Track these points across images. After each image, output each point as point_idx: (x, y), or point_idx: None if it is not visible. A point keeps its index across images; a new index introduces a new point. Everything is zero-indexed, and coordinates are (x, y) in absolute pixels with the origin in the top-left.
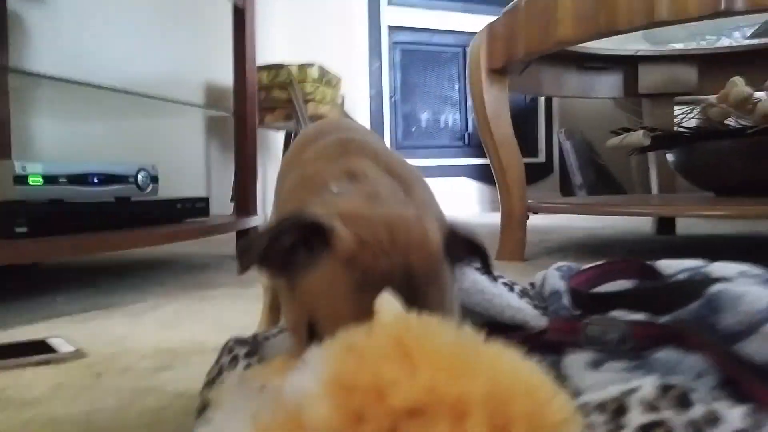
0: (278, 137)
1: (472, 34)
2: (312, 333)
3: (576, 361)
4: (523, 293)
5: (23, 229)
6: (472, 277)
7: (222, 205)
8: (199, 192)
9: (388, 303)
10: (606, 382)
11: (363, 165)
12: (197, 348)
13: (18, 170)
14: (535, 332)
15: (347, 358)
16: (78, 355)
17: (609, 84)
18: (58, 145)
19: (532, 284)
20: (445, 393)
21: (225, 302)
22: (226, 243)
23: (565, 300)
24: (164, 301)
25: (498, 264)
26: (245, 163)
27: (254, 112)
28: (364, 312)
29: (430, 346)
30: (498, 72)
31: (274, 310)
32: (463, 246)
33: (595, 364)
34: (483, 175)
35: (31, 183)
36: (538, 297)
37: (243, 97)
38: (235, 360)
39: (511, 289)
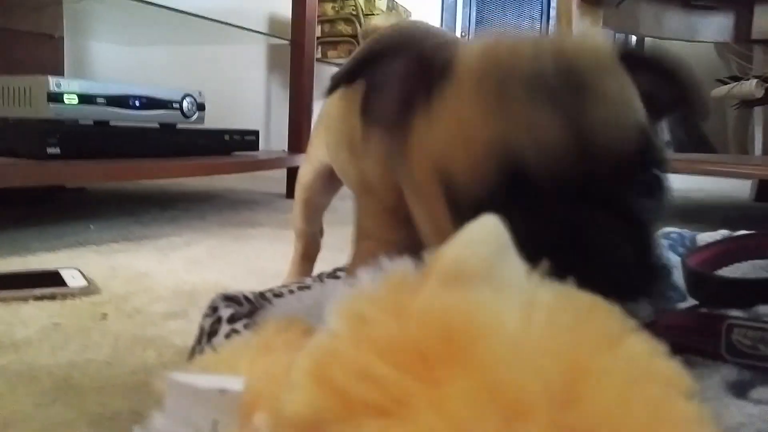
0: None
1: None
2: (449, 192)
3: (711, 379)
4: None
5: (55, 150)
6: None
7: (280, 142)
8: (258, 126)
9: (477, 231)
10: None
11: None
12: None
13: (52, 87)
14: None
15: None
16: (88, 290)
17: (717, 26)
18: (117, 69)
19: None
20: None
21: (263, 243)
22: (278, 181)
23: (674, 279)
24: (200, 237)
25: None
26: (301, 95)
27: (313, 40)
28: (506, 127)
29: (489, 340)
30: (591, 2)
31: (306, 259)
32: (654, 80)
33: (743, 389)
34: None
35: (66, 102)
36: None
37: (302, 23)
38: (217, 323)
39: None
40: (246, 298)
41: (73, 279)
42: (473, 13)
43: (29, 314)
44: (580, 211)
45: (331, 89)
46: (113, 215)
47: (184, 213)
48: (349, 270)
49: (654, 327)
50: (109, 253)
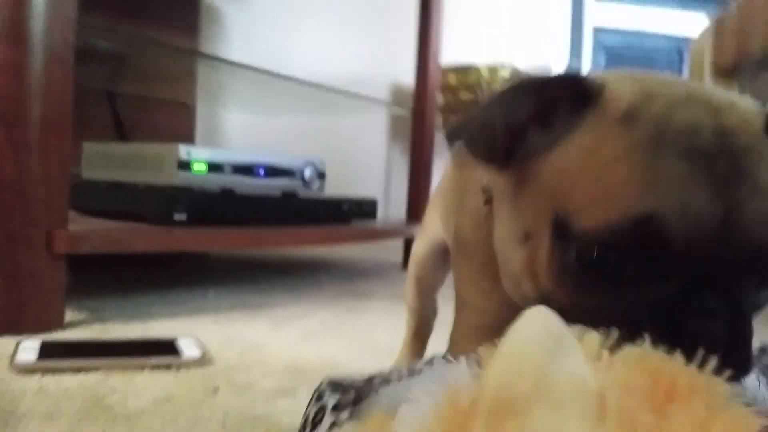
0: None
1: (689, 38)
2: (563, 234)
3: None
4: None
5: (182, 217)
6: None
7: (399, 210)
8: (377, 194)
9: (533, 323)
10: None
11: None
12: (331, 371)
13: (183, 155)
14: None
15: None
16: (202, 362)
17: None
18: (244, 137)
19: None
20: None
21: (378, 316)
22: (395, 250)
23: None
24: (315, 308)
25: None
26: (420, 164)
27: (434, 110)
28: (655, 183)
29: None
30: (725, 73)
31: (419, 339)
32: None
33: None
34: None
35: (195, 170)
36: None
37: (423, 94)
38: (322, 411)
39: None
40: (353, 384)
41: (188, 349)
42: None
43: (144, 384)
44: (697, 295)
45: (452, 138)
46: (232, 281)
47: (300, 281)
48: (451, 347)
49: None
50: (226, 322)
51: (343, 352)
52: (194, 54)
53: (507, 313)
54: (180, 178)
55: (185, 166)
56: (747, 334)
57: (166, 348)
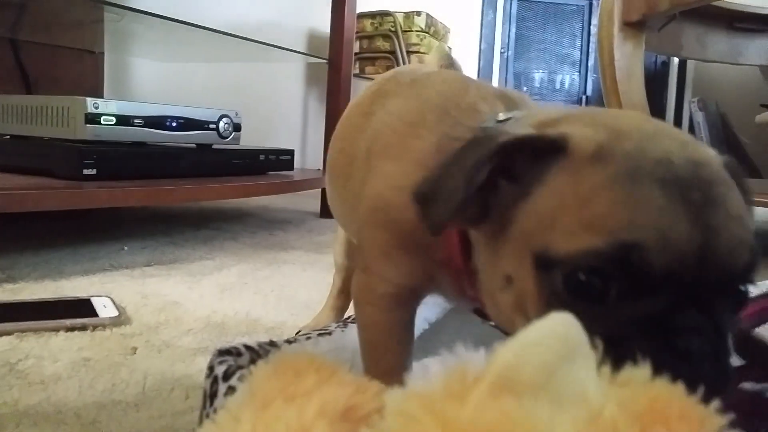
0: None
1: None
2: (546, 266)
3: None
4: None
5: (92, 171)
6: None
7: (316, 159)
8: (294, 144)
9: (540, 332)
10: None
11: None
12: (249, 326)
13: (90, 108)
14: None
15: None
16: (118, 321)
17: (762, 49)
18: (156, 84)
19: None
20: None
21: (295, 269)
22: (313, 199)
23: None
24: (231, 261)
25: None
26: (337, 112)
27: (350, 59)
28: (635, 211)
29: None
30: (633, 26)
31: (344, 294)
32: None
33: None
34: None
35: (103, 123)
36: None
37: (340, 41)
38: (215, 383)
39: None
40: (247, 347)
41: (104, 308)
42: (513, 30)
43: (59, 347)
44: (683, 314)
45: (437, 224)
46: (147, 235)
47: (217, 233)
48: (356, 310)
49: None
50: (141, 278)
51: (261, 306)
52: (99, 1)
53: (416, 283)
54: (88, 131)
55: (93, 119)
56: (727, 350)
57: (82, 308)
